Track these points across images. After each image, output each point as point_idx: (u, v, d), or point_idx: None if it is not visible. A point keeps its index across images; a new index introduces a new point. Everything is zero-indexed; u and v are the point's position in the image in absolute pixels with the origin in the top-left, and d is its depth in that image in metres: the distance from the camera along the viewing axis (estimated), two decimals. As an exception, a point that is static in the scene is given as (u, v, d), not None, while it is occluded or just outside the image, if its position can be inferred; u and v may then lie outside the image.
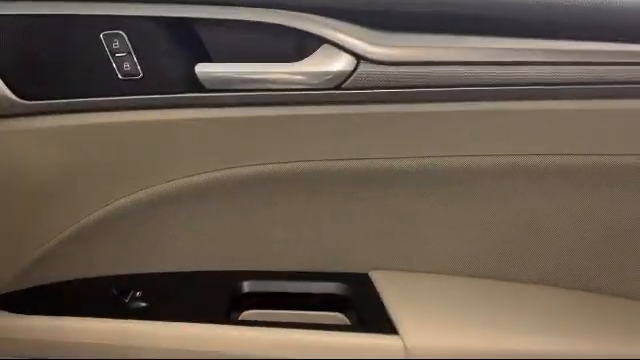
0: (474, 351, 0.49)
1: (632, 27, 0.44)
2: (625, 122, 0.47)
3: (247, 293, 0.59)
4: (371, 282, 0.57)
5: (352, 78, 0.45)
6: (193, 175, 0.52)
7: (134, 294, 0.58)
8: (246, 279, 0.59)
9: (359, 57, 0.44)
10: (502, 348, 0.49)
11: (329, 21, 0.44)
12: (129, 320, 0.55)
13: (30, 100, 0.46)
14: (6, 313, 0.57)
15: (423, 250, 0.57)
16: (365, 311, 0.55)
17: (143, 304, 0.57)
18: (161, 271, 0.60)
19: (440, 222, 0.55)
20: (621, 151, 0.49)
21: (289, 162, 0.51)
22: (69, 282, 0.59)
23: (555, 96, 0.46)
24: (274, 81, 0.46)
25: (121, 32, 0.44)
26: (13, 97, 0.45)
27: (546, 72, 0.45)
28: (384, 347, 0.50)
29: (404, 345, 0.50)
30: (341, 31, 0.44)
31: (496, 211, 0.54)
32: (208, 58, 0.46)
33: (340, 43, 0.44)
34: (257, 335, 0.52)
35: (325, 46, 0.45)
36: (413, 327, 0.51)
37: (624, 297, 0.55)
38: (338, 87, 0.45)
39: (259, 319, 0.57)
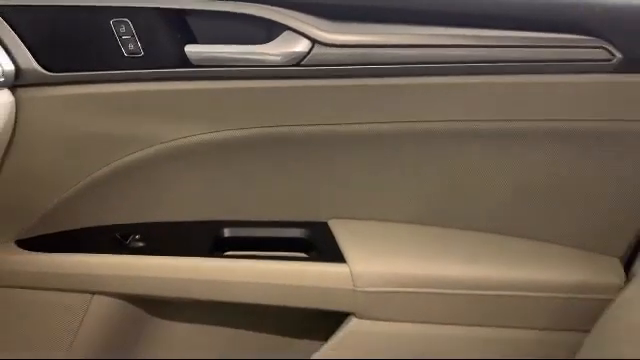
0: (407, 275, 0.62)
1: (525, 18, 0.57)
2: (527, 93, 0.60)
3: (227, 237, 0.71)
4: (329, 228, 0.70)
5: (308, 57, 0.57)
6: (184, 137, 0.64)
7: (134, 237, 0.71)
8: (226, 227, 0.72)
9: (314, 41, 0.57)
10: (429, 274, 0.62)
11: (290, 12, 0.56)
12: (129, 256, 0.67)
13: (54, 72, 0.58)
14: (27, 251, 0.70)
15: (372, 202, 0.70)
16: (322, 250, 0.67)
17: (141, 244, 0.69)
18: (156, 220, 0.72)
19: (386, 179, 0.68)
20: (526, 117, 0.61)
21: (259, 127, 0.63)
22: (81, 229, 0.72)
23: (469, 72, 0.58)
24: (247, 60, 0.58)
25: (127, 19, 0.57)
26: (41, 69, 0.58)
27: (462, 53, 0.57)
28: (334, 272, 0.63)
29: (350, 271, 0.63)
30: (300, 20, 0.56)
31: (433, 169, 0.67)
32: (195, 40, 0.58)
33: (299, 29, 0.56)
34: (235, 265, 0.65)
35: (287, 32, 0.57)
36: (359, 258, 0.64)
37: (537, 239, 0.67)
38: (297, 64, 0.58)
39: (237, 258, 0.70)
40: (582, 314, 0.59)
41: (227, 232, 0.71)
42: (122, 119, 0.62)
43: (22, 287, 0.70)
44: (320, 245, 0.68)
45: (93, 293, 0.69)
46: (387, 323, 0.64)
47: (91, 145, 0.64)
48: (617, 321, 0.50)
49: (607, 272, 0.59)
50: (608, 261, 0.61)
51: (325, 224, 0.70)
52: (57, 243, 0.70)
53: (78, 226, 0.71)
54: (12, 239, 0.71)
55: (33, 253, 0.69)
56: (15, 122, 0.59)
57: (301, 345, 0.70)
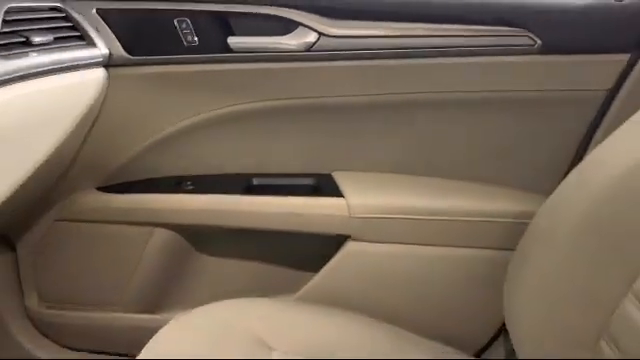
0: (392, 205, 0.84)
1: (470, 15, 0.79)
2: (472, 71, 0.81)
3: (254, 185, 0.93)
4: (332, 178, 0.91)
5: (315, 45, 0.80)
6: (225, 107, 0.86)
7: (186, 183, 0.93)
8: (254, 177, 0.94)
9: (320, 33, 0.79)
10: (409, 205, 0.84)
11: (302, 13, 0.79)
12: (182, 195, 0.90)
13: (134, 56, 0.81)
14: (104, 193, 0.93)
15: (365, 158, 0.91)
16: (327, 191, 0.89)
17: (191, 187, 0.92)
18: (203, 173, 0.94)
19: (376, 139, 0.89)
20: (471, 89, 0.82)
21: (280, 99, 0.86)
22: (146, 179, 0.94)
23: (430, 55, 0.80)
24: (272, 47, 0.81)
25: (187, 18, 0.80)
26: (125, 54, 0.81)
27: (426, 42, 0.79)
28: (335, 204, 0.85)
29: (347, 203, 0.85)
30: (309, 19, 0.79)
31: (411, 131, 0.88)
32: (235, 33, 0.81)
33: (309, 25, 0.79)
34: (259, 201, 0.87)
35: (300, 27, 0.79)
36: (354, 194, 0.86)
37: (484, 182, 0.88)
38: (308, 50, 0.80)
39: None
40: (516, 236, 0.79)
41: (255, 181, 0.93)
42: (181, 92, 0.85)
43: (100, 222, 0.93)
44: (325, 189, 0.90)
45: (155, 225, 0.92)
46: (376, 244, 0.86)
47: (156, 112, 0.87)
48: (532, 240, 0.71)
49: (533, 203, 0.79)
50: (536, 197, 0.81)
51: (329, 175, 0.92)
52: (128, 188, 0.93)
53: (144, 177, 0.94)
54: (93, 186, 0.94)
55: (109, 195, 0.92)
56: (106, 92, 0.82)
57: (309, 267, 0.91)
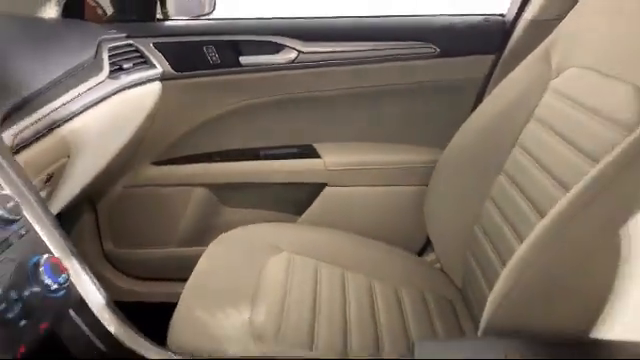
0: (356, 160, 1.27)
1: (390, 32, 1.23)
2: (391, 71, 1.24)
3: (260, 154, 1.35)
4: (313, 147, 1.35)
5: (296, 59, 1.23)
6: (240, 102, 1.29)
7: (214, 156, 1.35)
8: (260, 150, 1.36)
9: (299, 51, 1.23)
10: (364, 161, 1.28)
11: (287, 39, 1.23)
12: (212, 164, 1.33)
13: (178, 72, 1.24)
14: (158, 166, 1.35)
15: (335, 132, 1.34)
16: (310, 155, 1.32)
17: (218, 158, 1.34)
18: (227, 148, 1.36)
19: (343, 119, 1.33)
20: (390, 82, 1.26)
21: (275, 96, 1.29)
22: (187, 155, 1.35)
23: (364, 63, 1.24)
24: (268, 62, 1.24)
25: (212, 45, 1.23)
26: (172, 70, 1.23)
27: (360, 54, 1.23)
28: (315, 162, 1.29)
29: (324, 161, 1.28)
30: (291, 42, 1.23)
31: (361, 111, 1.32)
32: (243, 54, 1.24)
33: (291, 46, 1.23)
34: (264, 163, 1.31)
35: (286, 48, 1.23)
36: (328, 156, 1.30)
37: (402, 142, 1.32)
38: (292, 63, 1.24)
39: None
40: (428, 176, 1.22)
41: (261, 152, 1.36)
42: (209, 94, 1.28)
43: (155, 185, 1.35)
44: (309, 154, 1.33)
45: (193, 186, 1.34)
46: (343, 187, 1.30)
47: (192, 108, 1.29)
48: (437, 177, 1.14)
49: (438, 154, 1.21)
50: (439, 150, 1.23)
51: (311, 145, 1.35)
52: (173, 162, 1.35)
53: (185, 154, 1.36)
54: (149, 162, 1.36)
55: (160, 167, 1.35)
56: (159, 97, 1.24)
57: (301, 206, 1.34)
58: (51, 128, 0.84)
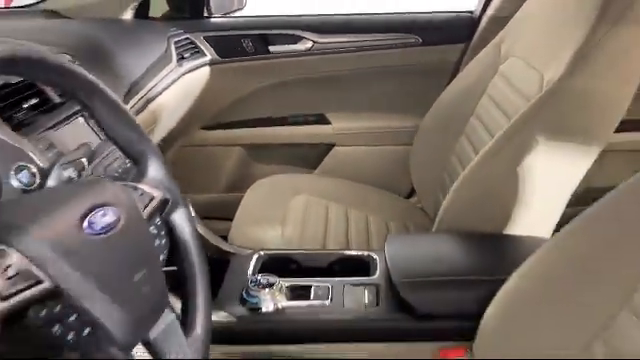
0: (355, 125, 1.67)
1: (380, 26, 1.60)
2: (381, 57, 1.63)
3: (283, 121, 1.75)
4: (324, 115, 1.74)
5: (312, 48, 1.61)
6: (265, 82, 1.68)
7: (247, 122, 1.75)
8: (284, 118, 1.75)
9: (313, 42, 1.61)
10: (363, 125, 1.67)
11: (305, 32, 1.61)
12: (245, 129, 1.73)
13: (222, 58, 1.62)
14: (205, 130, 1.74)
15: (341, 103, 1.73)
16: (322, 121, 1.71)
17: (251, 124, 1.74)
18: (255, 117, 1.76)
19: (345, 92, 1.71)
20: (379, 64, 1.64)
21: (295, 76, 1.67)
22: (227, 122, 1.75)
23: (362, 50, 1.62)
24: (290, 50, 1.63)
25: (248, 38, 1.61)
26: (218, 57, 1.62)
27: (363, 44, 1.61)
28: (326, 127, 1.68)
29: (332, 126, 1.68)
30: (308, 35, 1.61)
31: (363, 88, 1.70)
32: (271, 44, 1.62)
33: (308, 37, 1.61)
34: (287, 128, 1.70)
35: (303, 39, 1.61)
36: (336, 121, 1.69)
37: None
38: (308, 50, 1.62)
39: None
40: (412, 136, 1.61)
41: (284, 120, 1.75)
42: (246, 75, 1.67)
43: (202, 146, 1.75)
44: (321, 120, 1.73)
45: (232, 146, 1.74)
46: (348, 147, 1.69)
47: (232, 85, 1.68)
48: (419, 137, 1.53)
49: (420, 119, 1.60)
50: (419, 117, 1.61)
51: (323, 114, 1.74)
52: (216, 127, 1.75)
53: (225, 121, 1.75)
54: (199, 127, 1.75)
55: (207, 131, 1.74)
56: (208, 78, 1.63)
57: (315, 162, 1.74)
58: (145, 105, 1.23)
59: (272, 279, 0.93)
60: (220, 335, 0.84)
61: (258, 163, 1.80)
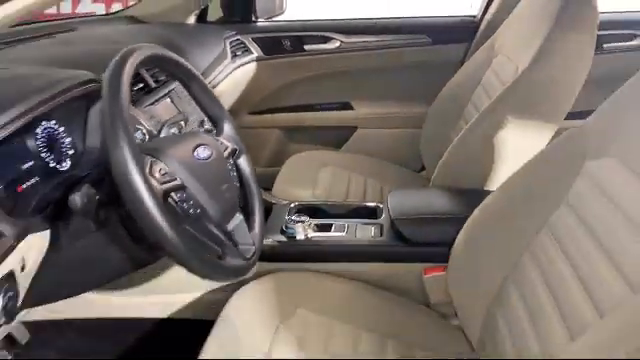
0: (375, 111, 2.01)
1: (398, 28, 1.93)
2: (401, 55, 1.96)
3: (315, 107, 2.09)
4: (349, 102, 2.07)
5: (340, 46, 1.96)
6: (301, 74, 2.03)
7: (284, 108, 2.10)
8: (314, 105, 2.10)
9: (341, 41, 1.95)
10: (382, 111, 2.00)
11: (333, 34, 1.95)
12: (284, 113, 2.08)
13: (267, 55, 1.98)
14: (251, 115, 2.11)
15: (364, 93, 2.06)
16: (346, 107, 2.05)
17: (288, 110, 2.09)
18: (292, 104, 2.11)
19: (368, 84, 2.04)
20: (403, 62, 1.97)
21: (325, 70, 2.02)
22: (269, 108, 2.11)
23: (383, 47, 1.95)
24: (322, 49, 1.97)
25: (288, 39, 1.96)
26: (263, 55, 1.98)
27: (384, 43, 1.94)
28: (350, 112, 2.02)
29: (356, 111, 2.02)
30: (337, 36, 1.95)
31: (383, 79, 2.03)
32: (306, 44, 1.97)
33: (336, 38, 1.95)
34: (319, 114, 2.05)
35: (332, 40, 1.96)
36: (359, 107, 2.03)
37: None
38: (336, 49, 1.96)
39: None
40: (422, 121, 1.93)
41: (316, 106, 2.09)
42: (286, 69, 2.02)
43: (250, 128, 2.10)
44: (345, 106, 2.06)
45: (272, 128, 2.10)
46: (369, 129, 2.03)
47: (274, 77, 2.03)
48: (428, 120, 1.85)
49: (428, 106, 1.92)
50: (428, 105, 1.94)
51: (348, 102, 2.08)
52: (261, 112, 2.10)
53: (268, 107, 2.10)
54: (246, 112, 2.11)
55: (253, 115, 2.10)
56: (255, 72, 1.99)
57: (342, 140, 2.08)
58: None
59: (304, 218, 1.27)
60: (267, 255, 1.19)
61: (293, 143, 2.15)
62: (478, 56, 1.68)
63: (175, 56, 0.93)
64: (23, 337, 1.23)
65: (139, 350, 1.31)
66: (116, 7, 2.05)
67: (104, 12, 2.29)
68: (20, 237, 0.72)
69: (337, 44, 1.96)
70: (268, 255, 1.21)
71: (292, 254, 1.25)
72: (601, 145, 0.83)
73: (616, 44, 1.84)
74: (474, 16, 1.93)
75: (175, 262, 0.76)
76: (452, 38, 1.92)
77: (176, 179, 0.80)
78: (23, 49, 1.29)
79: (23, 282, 0.76)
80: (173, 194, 0.79)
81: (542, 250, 0.87)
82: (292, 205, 1.40)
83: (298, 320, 1.05)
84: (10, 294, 0.70)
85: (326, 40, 1.97)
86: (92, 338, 1.33)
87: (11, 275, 0.71)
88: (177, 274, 1.26)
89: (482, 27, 1.87)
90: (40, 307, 1.06)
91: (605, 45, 1.84)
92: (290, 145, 2.15)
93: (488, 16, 1.85)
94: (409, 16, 1.98)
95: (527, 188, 0.96)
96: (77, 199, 0.76)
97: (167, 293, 1.29)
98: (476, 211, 1.05)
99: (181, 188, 0.80)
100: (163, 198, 0.77)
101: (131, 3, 2.10)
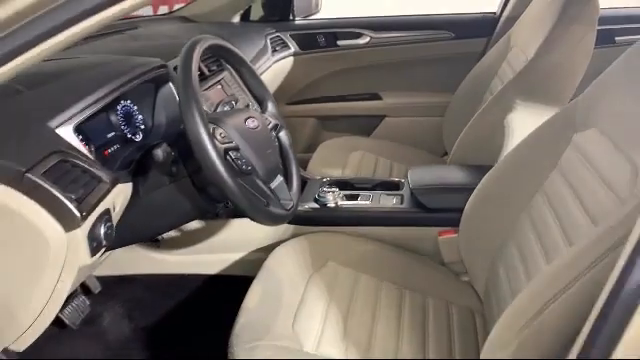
0: (402, 101, 2.19)
1: (421, 24, 2.10)
2: (426, 48, 2.13)
3: (348, 98, 2.29)
4: (378, 93, 2.26)
5: (369, 41, 2.15)
6: (333, 68, 2.22)
7: (321, 99, 2.30)
8: (347, 96, 2.29)
9: (371, 37, 2.14)
10: (409, 101, 2.18)
11: (364, 30, 2.14)
12: (319, 104, 2.28)
13: (302, 50, 2.19)
14: (288, 105, 2.32)
15: (391, 84, 2.24)
16: (375, 98, 2.24)
17: (323, 101, 2.29)
18: (325, 95, 2.30)
19: (394, 76, 2.23)
20: (428, 54, 2.14)
21: (356, 64, 2.21)
22: (306, 98, 2.32)
23: (405, 42, 2.13)
24: (354, 44, 2.17)
25: (322, 36, 2.16)
26: (299, 50, 2.18)
27: (409, 38, 2.12)
28: (379, 102, 2.20)
29: (384, 101, 2.20)
30: (367, 32, 2.14)
31: (407, 72, 2.21)
32: (339, 39, 2.17)
33: (366, 34, 2.15)
34: (350, 104, 2.24)
35: (363, 35, 2.15)
36: (387, 98, 2.21)
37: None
38: (367, 44, 2.15)
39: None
40: (444, 109, 2.10)
41: (348, 97, 2.29)
42: (320, 63, 2.21)
43: (288, 117, 2.31)
44: (374, 98, 2.25)
45: (309, 117, 2.30)
46: (397, 118, 2.21)
47: (309, 71, 2.23)
48: (450, 109, 2.02)
49: (451, 96, 2.08)
50: (451, 95, 2.10)
51: (377, 93, 2.26)
52: (297, 103, 2.31)
53: (305, 98, 2.31)
54: (284, 103, 2.31)
55: (289, 106, 2.31)
56: (292, 65, 2.19)
57: (371, 128, 2.27)
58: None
59: (334, 189, 1.47)
60: (302, 219, 1.39)
61: (327, 131, 2.35)
62: (495, 49, 1.83)
63: (230, 45, 1.14)
64: (95, 287, 1.48)
65: (190, 302, 1.53)
66: (163, 9, 2.30)
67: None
68: (113, 184, 0.94)
69: (367, 39, 2.15)
70: (303, 219, 1.41)
71: (324, 219, 1.44)
72: (586, 118, 0.95)
73: (627, 37, 1.97)
74: (494, 12, 2.09)
75: (231, 204, 0.96)
76: (473, 33, 2.09)
77: (232, 141, 1.01)
78: (100, 43, 1.52)
79: (114, 220, 0.98)
80: (230, 153, 1.00)
81: (536, 211, 1.01)
82: (324, 179, 1.60)
83: (328, 270, 1.24)
84: (108, 224, 0.91)
85: (357, 36, 2.16)
86: (152, 291, 1.55)
87: (107, 212, 0.93)
88: (226, 236, 1.47)
89: (500, 23, 2.03)
90: (109, 263, 1.28)
91: (617, 38, 1.97)
92: (324, 133, 2.35)
93: (506, 12, 2.01)
94: (434, 13, 2.15)
95: (526, 158, 1.10)
96: (160, 153, 0.98)
97: (217, 252, 1.50)
98: (483, 180, 1.21)
99: (236, 149, 1.01)
100: (223, 155, 0.98)
101: (176, 7, 2.34)
